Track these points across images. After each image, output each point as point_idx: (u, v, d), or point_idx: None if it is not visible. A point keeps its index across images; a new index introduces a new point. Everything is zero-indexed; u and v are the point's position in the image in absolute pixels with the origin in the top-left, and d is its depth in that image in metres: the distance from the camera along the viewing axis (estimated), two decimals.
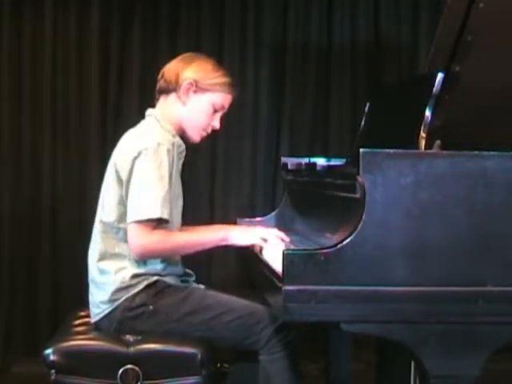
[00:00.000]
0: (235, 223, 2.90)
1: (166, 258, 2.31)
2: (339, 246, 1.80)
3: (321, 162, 2.66)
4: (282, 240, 2.31)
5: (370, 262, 1.81)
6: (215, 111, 2.42)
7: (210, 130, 2.46)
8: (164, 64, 2.47)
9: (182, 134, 2.42)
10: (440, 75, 2.08)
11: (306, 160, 2.70)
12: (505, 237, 1.87)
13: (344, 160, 2.59)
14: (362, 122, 2.70)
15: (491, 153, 1.87)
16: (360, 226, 1.81)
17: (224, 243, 2.30)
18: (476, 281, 1.85)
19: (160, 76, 2.44)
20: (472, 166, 1.87)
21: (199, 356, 2.17)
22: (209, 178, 3.70)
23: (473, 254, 1.85)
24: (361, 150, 1.84)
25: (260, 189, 3.72)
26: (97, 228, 2.35)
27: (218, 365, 2.31)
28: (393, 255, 1.82)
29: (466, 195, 1.86)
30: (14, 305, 3.60)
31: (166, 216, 2.21)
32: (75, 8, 3.58)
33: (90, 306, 2.36)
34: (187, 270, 2.45)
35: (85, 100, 3.61)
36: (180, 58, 2.46)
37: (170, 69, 2.42)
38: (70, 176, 3.60)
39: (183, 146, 2.40)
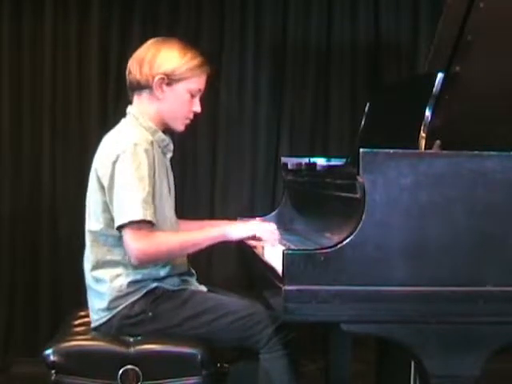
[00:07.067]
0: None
1: (165, 261, 2.27)
2: (339, 246, 1.80)
3: (321, 162, 2.66)
4: (274, 239, 2.28)
5: (369, 262, 1.81)
6: (193, 96, 2.35)
7: (192, 116, 2.39)
8: None
9: (166, 127, 2.36)
10: (440, 75, 2.08)
11: (306, 160, 2.70)
12: (505, 237, 1.87)
13: (344, 160, 2.59)
14: (362, 122, 2.70)
15: (491, 153, 1.87)
16: (360, 225, 1.81)
17: (222, 240, 2.26)
18: (476, 281, 1.85)
19: (127, 72, 2.35)
20: (472, 166, 1.87)
21: (199, 356, 2.16)
22: (209, 177, 3.69)
23: (473, 253, 1.85)
24: (361, 150, 1.84)
25: (260, 189, 3.71)
26: (87, 237, 2.31)
27: (218, 365, 2.31)
28: (393, 255, 1.82)
29: (466, 195, 1.86)
30: (14, 305, 3.60)
31: (149, 217, 2.15)
32: (75, 8, 3.58)
33: (89, 311, 2.34)
34: (191, 270, 2.43)
35: (85, 100, 3.61)
36: (143, 48, 2.35)
37: (135, 64, 2.32)
38: (70, 176, 3.60)
39: (167, 140, 2.36)
